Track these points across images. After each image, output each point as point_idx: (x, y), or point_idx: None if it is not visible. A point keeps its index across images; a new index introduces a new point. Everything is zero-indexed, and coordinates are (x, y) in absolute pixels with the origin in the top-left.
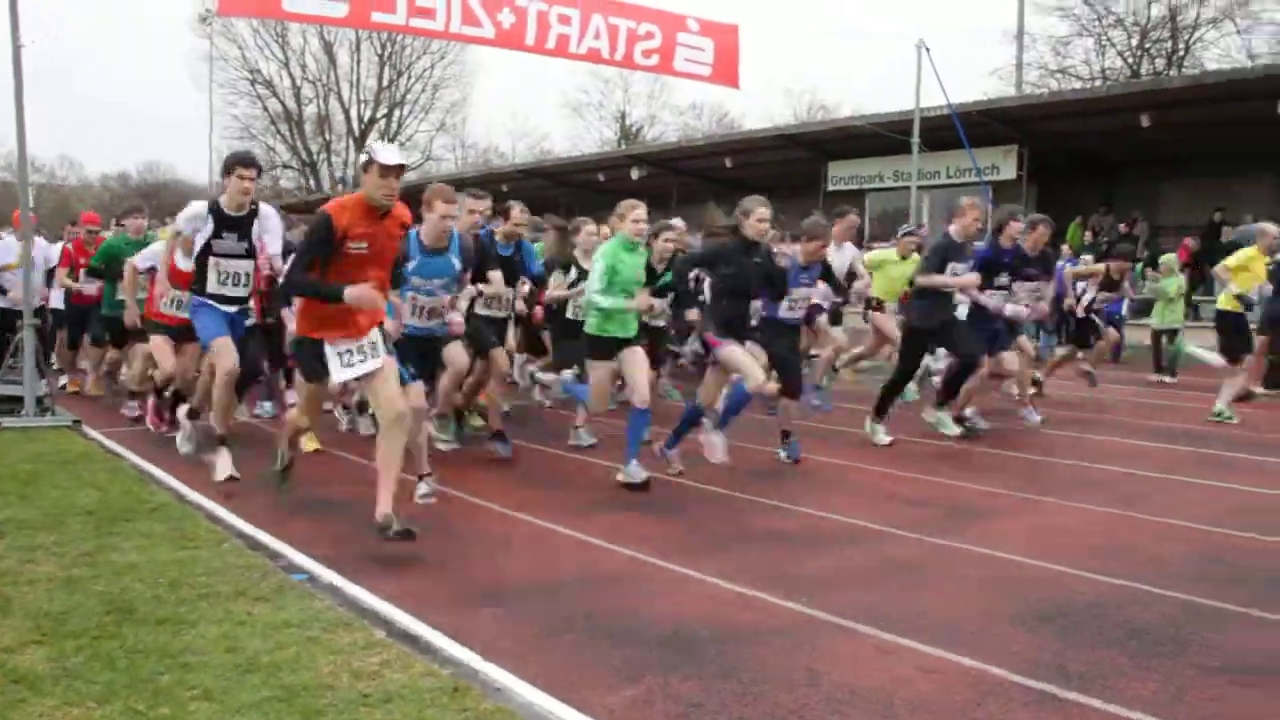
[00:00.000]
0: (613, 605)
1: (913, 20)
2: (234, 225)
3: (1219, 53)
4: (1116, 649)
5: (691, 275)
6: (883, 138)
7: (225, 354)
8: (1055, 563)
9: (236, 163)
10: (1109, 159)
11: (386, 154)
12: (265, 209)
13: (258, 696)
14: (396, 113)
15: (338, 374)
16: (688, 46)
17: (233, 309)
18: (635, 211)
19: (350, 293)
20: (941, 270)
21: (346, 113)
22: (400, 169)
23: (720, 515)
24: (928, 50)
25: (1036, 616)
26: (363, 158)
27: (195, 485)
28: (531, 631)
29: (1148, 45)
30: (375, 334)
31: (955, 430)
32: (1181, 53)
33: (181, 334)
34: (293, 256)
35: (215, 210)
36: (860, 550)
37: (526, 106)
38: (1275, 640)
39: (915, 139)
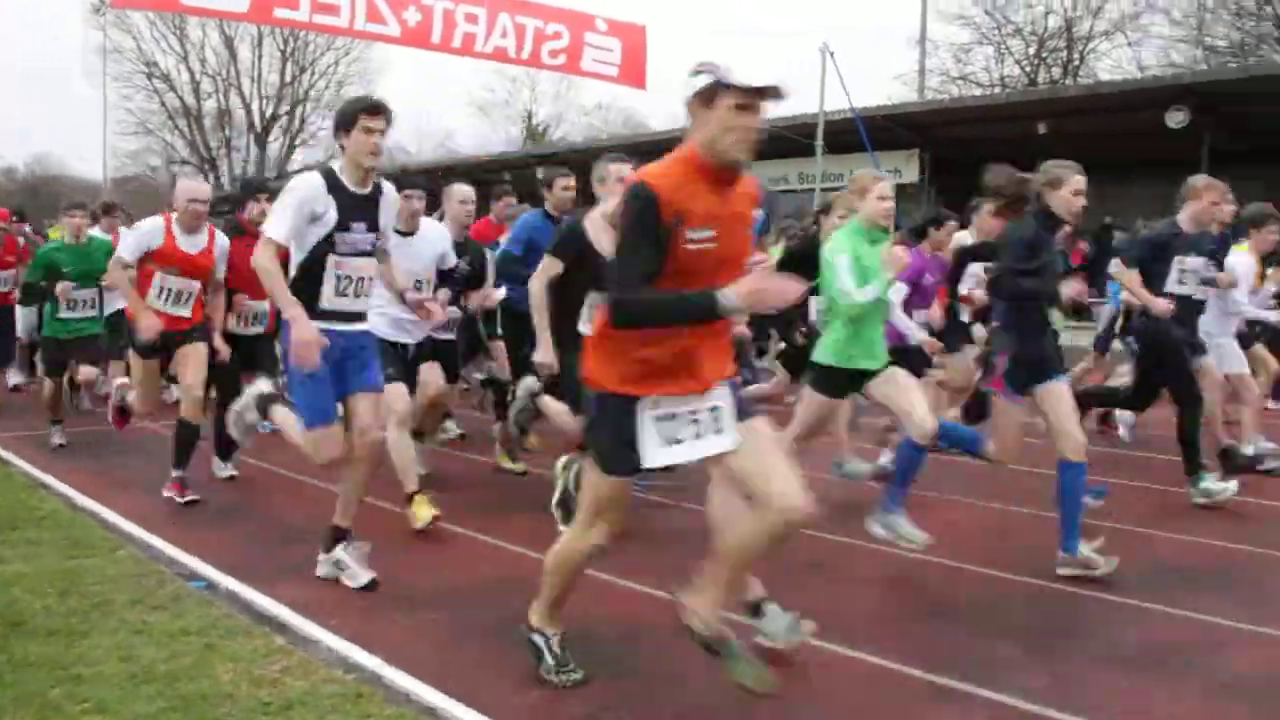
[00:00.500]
0: (521, 608)
1: (813, 19)
2: (362, 209)
3: (1111, 64)
4: (1011, 642)
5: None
6: (787, 140)
7: (327, 445)
8: (951, 559)
9: (361, 110)
10: (1008, 164)
11: (746, 73)
12: (388, 187)
13: (153, 708)
14: (299, 109)
15: (656, 456)
16: (595, 47)
17: (358, 326)
18: (880, 185)
19: (738, 293)
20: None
21: (247, 108)
22: (774, 92)
23: (631, 515)
24: (831, 54)
25: (933, 612)
26: (697, 80)
27: (88, 491)
28: (437, 636)
29: (1045, 55)
30: (722, 391)
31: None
32: (1076, 63)
33: (177, 340)
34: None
35: (335, 187)
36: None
37: (432, 104)
38: (1158, 629)
39: (819, 142)
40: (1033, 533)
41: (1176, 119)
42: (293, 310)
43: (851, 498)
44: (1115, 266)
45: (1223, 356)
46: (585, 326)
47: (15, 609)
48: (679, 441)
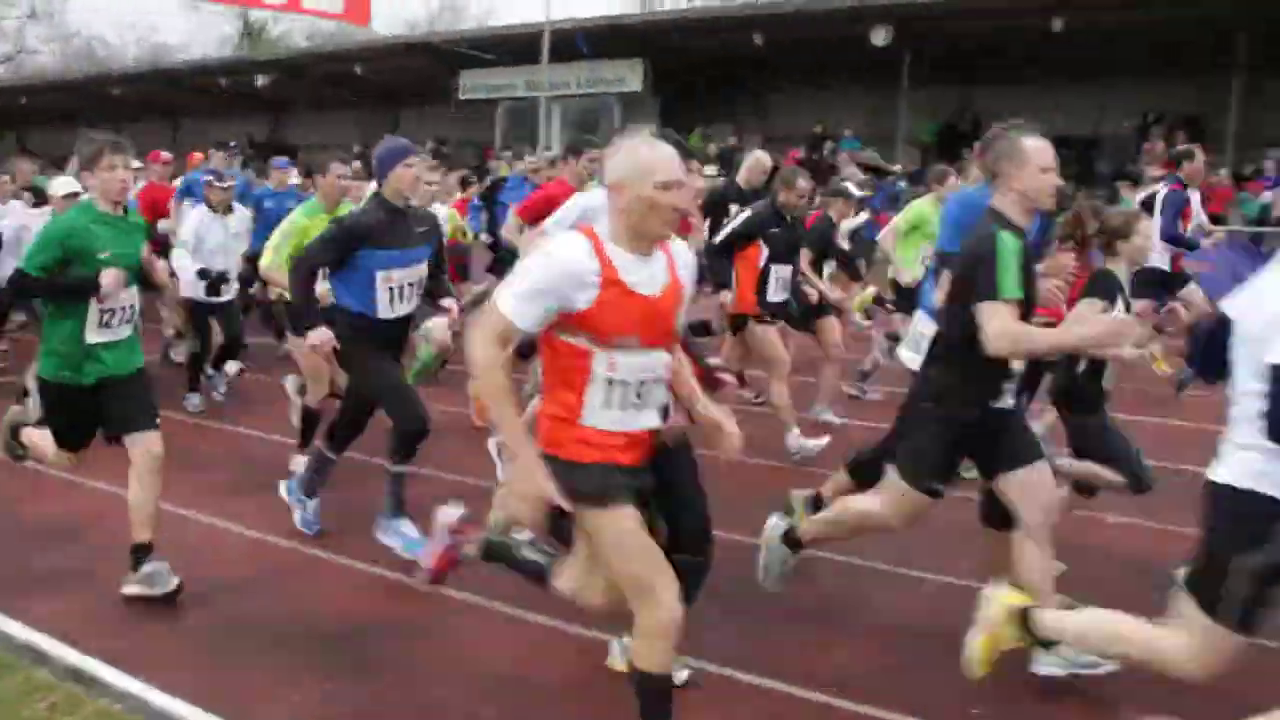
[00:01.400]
0: (272, 606)
1: None
2: None
3: None
4: (713, 607)
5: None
6: (513, 47)
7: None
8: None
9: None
10: (729, 73)
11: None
12: None
13: None
14: None
15: None
16: None
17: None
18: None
19: None
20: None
21: None
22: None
23: (372, 488)
24: None
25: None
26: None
27: None
28: (194, 645)
29: None
30: None
31: None
32: None
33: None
34: None
35: None
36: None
37: None
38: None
39: (545, 50)
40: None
41: (880, 36)
42: None
43: None
44: None
45: None
46: None
47: None
48: None
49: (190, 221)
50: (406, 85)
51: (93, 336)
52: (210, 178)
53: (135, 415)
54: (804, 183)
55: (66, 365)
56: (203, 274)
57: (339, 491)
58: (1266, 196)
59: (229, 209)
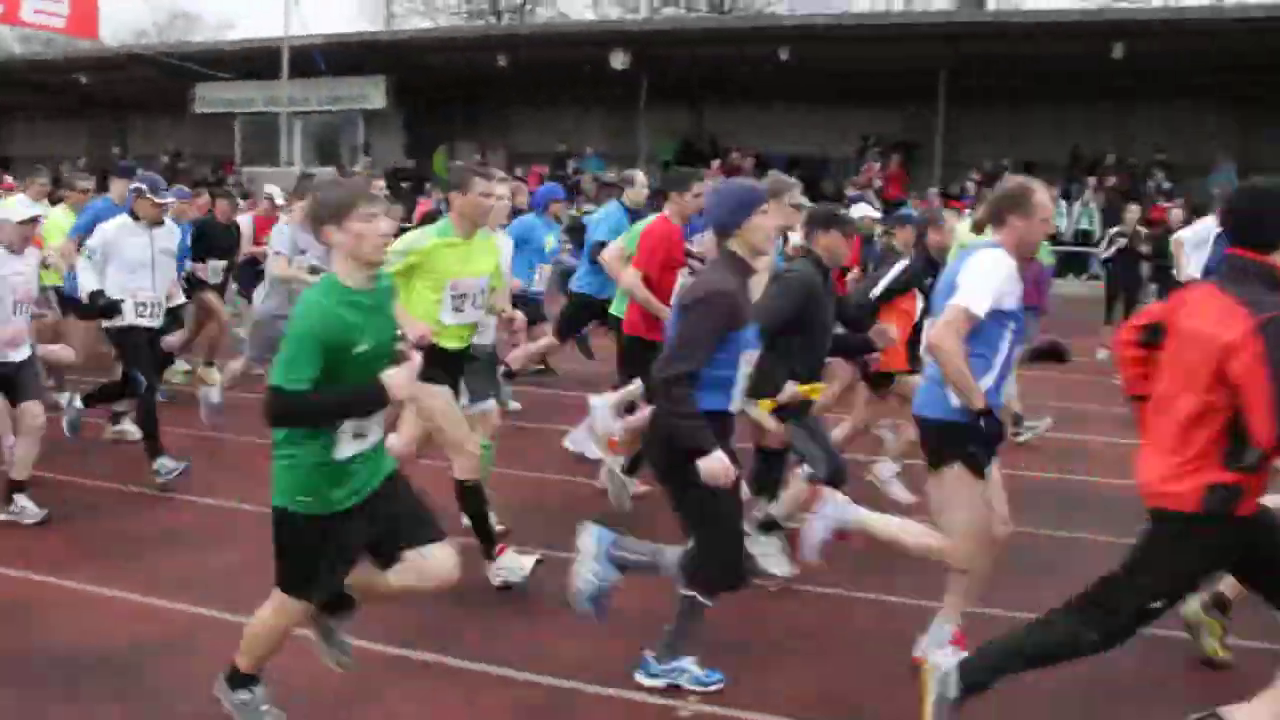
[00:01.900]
0: (5, 640)
1: None
2: None
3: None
4: (471, 608)
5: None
6: (252, 61)
7: None
8: None
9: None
10: (473, 92)
11: None
12: None
13: None
14: None
15: None
16: None
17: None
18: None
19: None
20: None
21: None
22: None
23: (100, 517)
24: None
25: None
26: None
27: None
28: None
29: None
30: None
31: None
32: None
33: None
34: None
35: None
36: (238, 541)
37: None
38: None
39: (284, 66)
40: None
41: (619, 60)
42: None
43: None
44: None
45: None
46: None
47: None
48: None
49: None
50: (135, 96)
51: (345, 450)
52: None
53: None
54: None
55: (311, 491)
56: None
57: (73, 520)
58: (968, 215)
59: None
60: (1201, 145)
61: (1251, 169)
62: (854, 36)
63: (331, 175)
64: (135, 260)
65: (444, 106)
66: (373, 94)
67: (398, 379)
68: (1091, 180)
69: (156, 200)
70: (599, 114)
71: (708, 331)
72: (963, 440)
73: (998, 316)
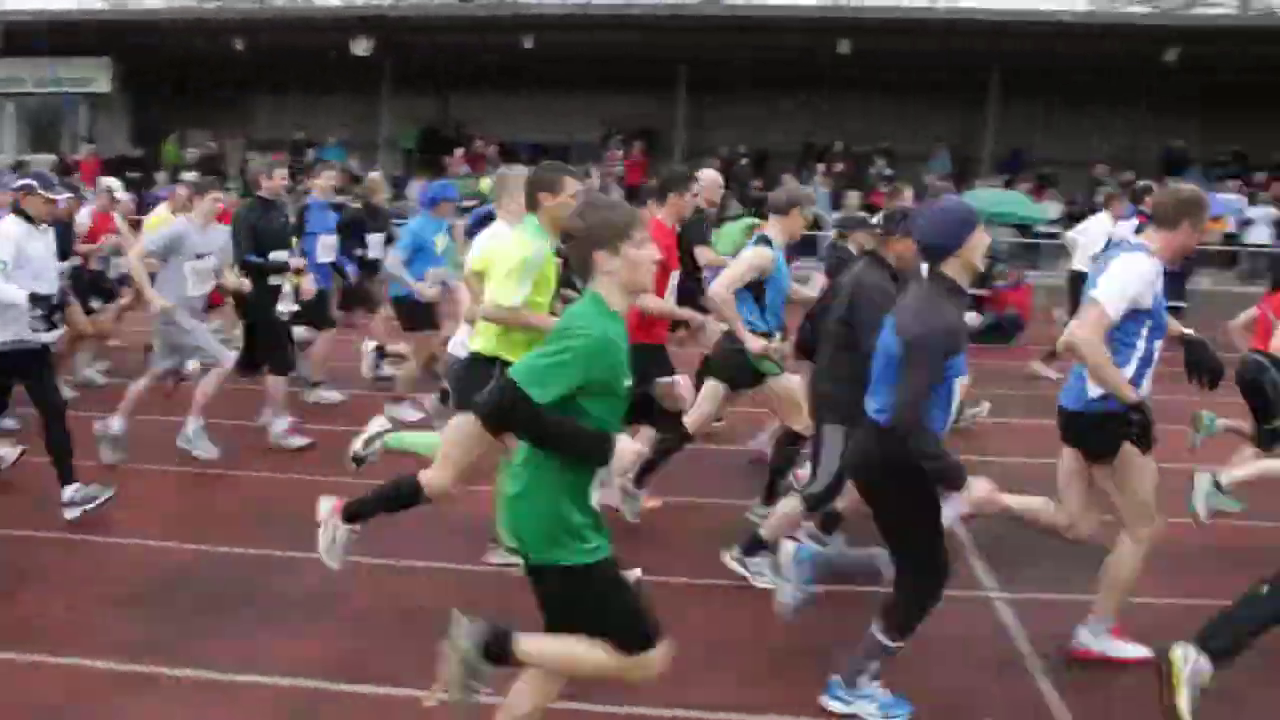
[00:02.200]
0: None
1: None
2: None
3: None
4: (199, 614)
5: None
6: None
7: None
8: (143, 538)
9: None
10: (208, 76)
11: None
12: None
13: None
14: None
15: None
16: None
17: None
18: None
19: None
20: None
21: None
22: None
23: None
24: None
25: (126, 597)
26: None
27: None
28: None
29: None
30: None
31: None
32: None
33: None
34: None
35: None
36: None
37: None
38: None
39: None
40: (226, 499)
41: (361, 46)
42: None
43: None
44: None
45: None
46: None
47: None
48: None
49: None
50: None
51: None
52: None
53: None
54: None
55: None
56: None
57: None
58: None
59: None
60: (921, 134)
61: (969, 158)
62: (595, 24)
63: (52, 163)
64: None
65: (176, 92)
66: (97, 76)
67: (629, 450)
68: (820, 167)
69: None
70: (340, 100)
71: (937, 372)
72: (1118, 426)
73: (1134, 315)
